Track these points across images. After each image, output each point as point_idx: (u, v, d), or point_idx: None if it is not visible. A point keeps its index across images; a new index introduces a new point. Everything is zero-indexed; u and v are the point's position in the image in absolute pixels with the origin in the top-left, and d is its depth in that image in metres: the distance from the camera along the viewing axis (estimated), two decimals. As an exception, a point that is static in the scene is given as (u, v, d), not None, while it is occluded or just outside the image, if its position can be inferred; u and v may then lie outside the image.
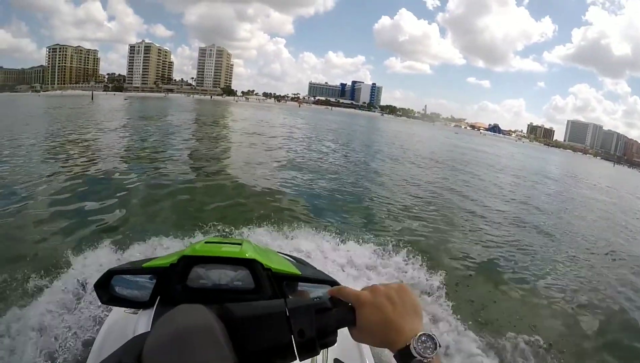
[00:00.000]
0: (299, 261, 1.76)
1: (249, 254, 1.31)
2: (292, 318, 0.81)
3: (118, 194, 8.96)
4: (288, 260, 1.61)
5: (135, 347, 0.79)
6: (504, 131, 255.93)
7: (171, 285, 1.29)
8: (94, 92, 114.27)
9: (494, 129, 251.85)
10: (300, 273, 1.36)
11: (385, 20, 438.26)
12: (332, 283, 1.32)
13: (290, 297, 1.28)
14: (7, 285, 4.38)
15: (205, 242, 1.43)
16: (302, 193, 10.51)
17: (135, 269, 1.40)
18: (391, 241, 6.48)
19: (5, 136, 18.75)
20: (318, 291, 1.32)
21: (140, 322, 1.28)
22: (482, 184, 18.34)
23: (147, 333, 0.80)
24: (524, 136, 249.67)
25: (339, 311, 0.87)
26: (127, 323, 1.50)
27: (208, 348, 0.73)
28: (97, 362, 1.27)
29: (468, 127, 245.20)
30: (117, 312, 1.86)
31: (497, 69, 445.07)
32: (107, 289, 1.36)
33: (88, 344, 3.03)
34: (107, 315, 2.07)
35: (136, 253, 5.22)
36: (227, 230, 6.35)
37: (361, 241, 6.54)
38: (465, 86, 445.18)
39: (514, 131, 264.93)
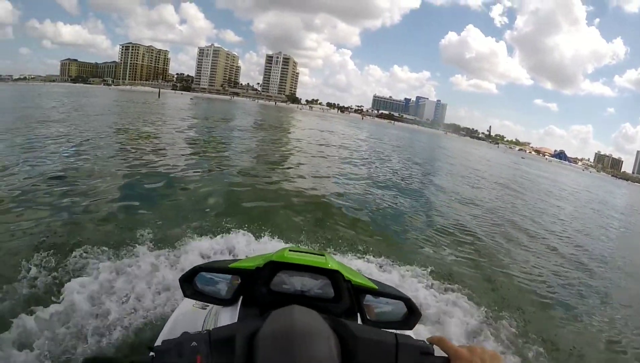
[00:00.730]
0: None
1: (332, 265, 1.36)
2: (400, 351, 0.95)
3: (180, 191, 9.15)
4: (362, 274, 1.59)
5: (247, 328, 0.95)
6: (570, 159, 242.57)
7: (256, 286, 1.36)
8: (162, 90, 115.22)
9: (560, 155, 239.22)
10: (377, 287, 1.39)
11: (452, 36, 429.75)
12: (406, 300, 1.36)
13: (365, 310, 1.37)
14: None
15: (290, 250, 1.44)
16: (361, 210, 9.64)
17: (221, 268, 1.45)
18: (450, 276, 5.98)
19: (83, 126, 19.91)
20: (389, 307, 1.40)
21: (223, 316, 1.38)
22: (561, 220, 15.44)
23: (252, 321, 0.99)
24: (591, 166, 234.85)
25: (438, 359, 0.99)
26: (196, 317, 1.67)
27: (322, 352, 0.84)
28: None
29: (533, 152, 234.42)
30: (186, 306, 2.07)
31: (565, 92, 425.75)
32: (190, 284, 1.43)
33: (156, 329, 3.22)
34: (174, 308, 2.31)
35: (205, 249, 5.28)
36: (292, 237, 6.37)
37: (420, 273, 5.77)
38: (532, 108, 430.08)
39: (580, 159, 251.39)
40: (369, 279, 1.45)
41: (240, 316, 1.31)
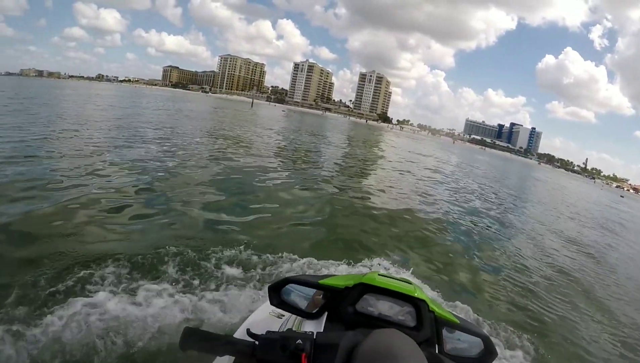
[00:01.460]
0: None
1: (418, 294, 1.40)
2: None
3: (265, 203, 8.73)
4: (443, 306, 1.59)
5: (350, 340, 0.98)
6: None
7: (342, 305, 1.39)
8: (255, 100, 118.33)
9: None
10: (458, 322, 1.41)
11: (549, 60, 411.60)
12: (485, 338, 1.39)
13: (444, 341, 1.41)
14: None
15: (379, 274, 1.49)
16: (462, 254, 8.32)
17: (311, 282, 1.49)
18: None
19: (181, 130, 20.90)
20: (466, 342, 1.41)
21: (307, 328, 1.37)
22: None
23: (355, 335, 1.02)
24: None
25: None
26: (271, 324, 1.73)
27: None
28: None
29: (631, 190, 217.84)
30: (262, 312, 2.09)
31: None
32: (278, 293, 1.48)
33: (234, 327, 3.16)
34: (252, 312, 2.34)
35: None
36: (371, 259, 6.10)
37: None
38: (632, 140, 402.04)
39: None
40: (451, 312, 1.47)
41: (325, 330, 1.34)
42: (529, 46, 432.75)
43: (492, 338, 1.37)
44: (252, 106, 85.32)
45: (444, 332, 1.38)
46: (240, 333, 1.73)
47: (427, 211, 11.29)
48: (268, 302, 1.59)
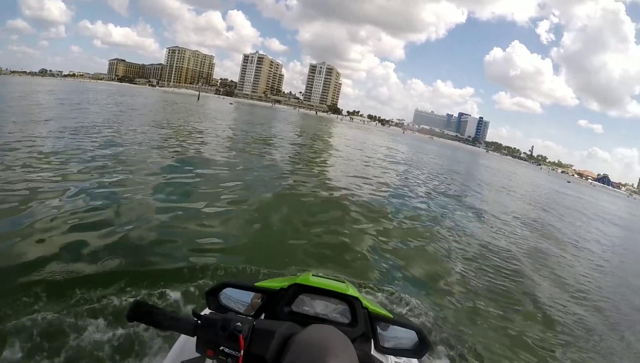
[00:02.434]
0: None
1: (352, 292, 1.45)
2: None
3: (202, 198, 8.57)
4: (377, 303, 1.67)
5: (287, 329, 1.04)
6: (614, 183, 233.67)
7: (278, 306, 1.44)
8: (202, 93, 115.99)
9: (603, 180, 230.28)
10: (391, 316, 1.47)
11: (497, 52, 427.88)
12: (418, 330, 1.43)
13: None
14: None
15: (313, 275, 1.55)
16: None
17: (248, 286, 1.52)
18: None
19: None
20: (401, 335, 1.46)
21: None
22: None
23: (292, 326, 1.08)
24: (635, 191, 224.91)
25: None
26: None
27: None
28: (179, 355, 1.55)
29: (575, 175, 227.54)
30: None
31: (611, 113, 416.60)
32: (216, 297, 1.50)
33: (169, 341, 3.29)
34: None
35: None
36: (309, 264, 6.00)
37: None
38: (576, 129, 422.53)
39: (624, 185, 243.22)
40: (384, 308, 1.51)
41: None
42: (478, 39, 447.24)
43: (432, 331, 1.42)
44: (198, 99, 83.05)
45: (379, 327, 1.44)
46: (180, 342, 1.76)
47: (368, 203, 11.07)
48: (207, 309, 1.60)
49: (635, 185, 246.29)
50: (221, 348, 0.99)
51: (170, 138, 17.52)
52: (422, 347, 1.39)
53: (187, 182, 9.80)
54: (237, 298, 1.51)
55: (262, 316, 1.46)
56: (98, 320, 3.54)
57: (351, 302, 1.41)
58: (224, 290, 1.49)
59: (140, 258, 5.14)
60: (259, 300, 1.49)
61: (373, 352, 1.39)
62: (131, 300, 3.97)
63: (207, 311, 1.78)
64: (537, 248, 10.92)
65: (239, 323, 0.99)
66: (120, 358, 3.23)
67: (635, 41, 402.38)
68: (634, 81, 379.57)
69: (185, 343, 1.64)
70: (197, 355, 1.06)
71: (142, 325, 1.20)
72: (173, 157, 12.70)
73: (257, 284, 1.51)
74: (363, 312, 1.41)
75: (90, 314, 3.64)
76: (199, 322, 1.03)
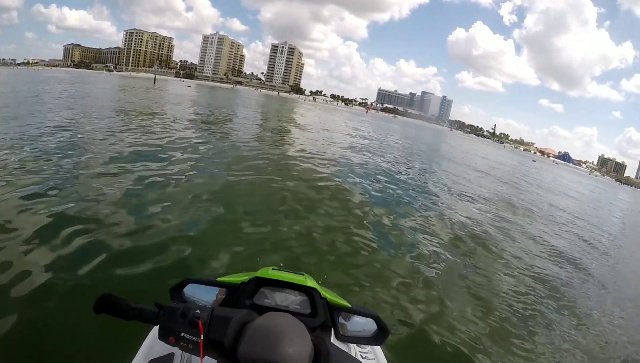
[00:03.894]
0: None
1: (310, 283, 1.50)
2: None
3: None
4: (336, 294, 1.68)
5: (244, 316, 1.08)
6: (574, 161, 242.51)
7: (240, 299, 1.47)
8: (161, 76, 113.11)
9: (564, 157, 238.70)
10: (350, 305, 1.52)
11: (460, 32, 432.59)
12: (376, 318, 1.49)
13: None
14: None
15: (272, 268, 1.58)
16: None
17: (210, 281, 1.55)
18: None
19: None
20: (360, 324, 1.51)
21: None
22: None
23: (249, 313, 1.12)
24: (595, 169, 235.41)
25: None
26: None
27: (297, 354, 0.96)
28: (148, 352, 1.61)
29: (537, 153, 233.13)
30: None
31: (571, 93, 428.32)
32: (179, 294, 1.52)
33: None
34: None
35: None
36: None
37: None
38: (537, 108, 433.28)
39: (584, 162, 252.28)
40: (343, 299, 1.56)
41: None
42: (441, 19, 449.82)
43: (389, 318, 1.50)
44: (154, 83, 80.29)
45: (339, 316, 1.48)
46: (150, 338, 1.77)
47: (334, 189, 10.96)
48: None
49: (595, 163, 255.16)
50: (182, 334, 1.02)
51: (115, 130, 15.70)
52: (381, 333, 1.46)
53: (138, 175, 9.16)
54: (200, 295, 1.52)
55: None
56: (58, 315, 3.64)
57: (310, 293, 1.46)
58: (187, 287, 1.51)
59: (92, 258, 4.99)
60: (223, 296, 1.51)
61: (334, 340, 1.43)
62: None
63: None
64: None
65: (198, 310, 1.03)
66: (85, 358, 3.28)
67: (597, 25, 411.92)
68: (594, 63, 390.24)
69: (153, 345, 1.67)
70: (164, 353, 1.12)
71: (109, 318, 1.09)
72: (118, 152, 11.63)
73: (218, 279, 1.53)
74: (322, 302, 1.45)
75: (53, 311, 3.74)
76: (161, 311, 1.07)
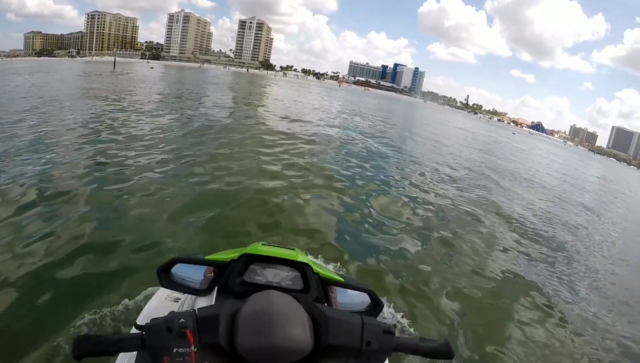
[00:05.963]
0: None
1: (302, 258, 1.50)
2: (365, 330, 1.07)
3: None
4: (328, 268, 1.76)
5: (229, 308, 1.06)
6: (547, 131, 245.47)
7: (230, 277, 1.47)
8: (126, 59, 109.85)
9: (537, 127, 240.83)
10: (343, 280, 1.53)
11: (431, 3, 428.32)
12: (369, 292, 1.49)
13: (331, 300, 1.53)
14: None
15: (262, 244, 1.58)
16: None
17: (198, 260, 1.54)
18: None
19: None
20: (353, 298, 1.52)
21: (199, 305, 1.32)
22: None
23: (234, 302, 1.10)
24: (567, 138, 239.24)
25: (399, 338, 1.12)
26: (169, 308, 1.56)
27: (296, 328, 0.98)
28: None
29: (511, 123, 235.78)
30: (158, 299, 2.25)
31: (543, 64, 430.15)
32: (168, 274, 1.51)
33: (128, 324, 3.39)
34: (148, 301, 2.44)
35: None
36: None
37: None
38: (509, 79, 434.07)
39: (557, 132, 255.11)
40: (336, 273, 1.59)
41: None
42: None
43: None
44: (114, 66, 76.97)
45: (332, 291, 1.49)
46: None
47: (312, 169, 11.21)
48: (162, 289, 1.76)
49: (567, 132, 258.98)
50: (175, 350, 0.98)
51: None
52: (374, 307, 1.46)
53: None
54: (189, 274, 1.51)
55: (215, 290, 1.48)
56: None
57: (302, 268, 1.46)
58: (175, 267, 1.48)
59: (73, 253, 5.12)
60: (212, 274, 1.49)
61: None
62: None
63: (160, 293, 2.13)
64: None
65: (182, 320, 0.99)
66: None
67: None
68: (565, 35, 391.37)
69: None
70: None
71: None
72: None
73: (207, 257, 1.52)
74: (314, 277, 1.45)
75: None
76: (144, 333, 1.01)
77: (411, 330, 4.41)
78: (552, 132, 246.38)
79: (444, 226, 8.74)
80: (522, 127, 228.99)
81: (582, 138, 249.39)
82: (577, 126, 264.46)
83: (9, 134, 12.14)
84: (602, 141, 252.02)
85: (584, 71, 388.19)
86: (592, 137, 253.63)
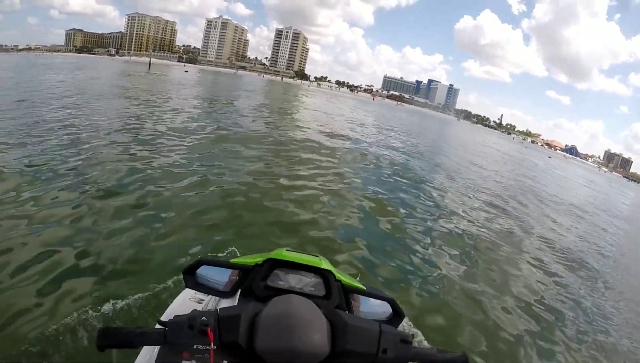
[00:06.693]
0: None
1: (325, 265, 1.49)
2: (383, 338, 1.07)
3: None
4: (350, 276, 1.68)
5: (251, 309, 1.08)
6: (581, 154, 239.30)
7: (254, 281, 1.46)
8: (160, 60, 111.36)
9: (571, 151, 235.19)
10: (364, 288, 1.51)
11: (467, 20, 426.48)
12: (391, 301, 1.48)
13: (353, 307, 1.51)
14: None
15: (287, 250, 1.57)
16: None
17: (223, 262, 1.54)
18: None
19: None
20: (375, 307, 1.51)
21: (223, 306, 1.35)
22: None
23: (255, 304, 1.12)
24: (601, 163, 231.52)
25: (416, 348, 1.13)
26: (193, 308, 1.53)
27: (315, 333, 0.99)
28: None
29: (545, 146, 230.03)
30: (182, 299, 2.17)
31: (579, 86, 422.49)
32: (193, 276, 1.52)
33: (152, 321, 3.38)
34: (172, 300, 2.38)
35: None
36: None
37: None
38: (544, 100, 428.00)
39: (591, 156, 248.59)
40: (358, 281, 1.56)
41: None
42: (449, 6, 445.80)
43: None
44: (149, 68, 77.02)
45: (353, 299, 1.46)
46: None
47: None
48: (187, 289, 1.75)
49: (602, 157, 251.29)
50: (195, 346, 1.03)
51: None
52: (395, 317, 1.45)
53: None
54: (213, 276, 1.50)
55: (239, 293, 1.48)
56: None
57: (325, 275, 1.45)
58: (200, 268, 1.48)
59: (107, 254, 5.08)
60: (236, 277, 1.49)
61: None
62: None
63: (185, 293, 2.09)
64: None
65: (204, 318, 1.02)
66: None
67: (607, 18, 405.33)
68: (603, 56, 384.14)
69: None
70: None
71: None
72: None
73: (232, 261, 1.52)
74: (337, 285, 1.44)
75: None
76: (166, 328, 1.04)
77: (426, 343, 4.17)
78: (585, 156, 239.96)
79: (490, 253, 8.33)
80: (556, 150, 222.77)
81: (616, 163, 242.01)
82: (612, 151, 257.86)
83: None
84: (637, 168, 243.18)
85: (620, 93, 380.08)
86: (626, 163, 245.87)
